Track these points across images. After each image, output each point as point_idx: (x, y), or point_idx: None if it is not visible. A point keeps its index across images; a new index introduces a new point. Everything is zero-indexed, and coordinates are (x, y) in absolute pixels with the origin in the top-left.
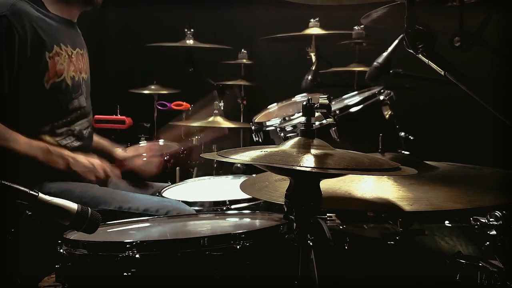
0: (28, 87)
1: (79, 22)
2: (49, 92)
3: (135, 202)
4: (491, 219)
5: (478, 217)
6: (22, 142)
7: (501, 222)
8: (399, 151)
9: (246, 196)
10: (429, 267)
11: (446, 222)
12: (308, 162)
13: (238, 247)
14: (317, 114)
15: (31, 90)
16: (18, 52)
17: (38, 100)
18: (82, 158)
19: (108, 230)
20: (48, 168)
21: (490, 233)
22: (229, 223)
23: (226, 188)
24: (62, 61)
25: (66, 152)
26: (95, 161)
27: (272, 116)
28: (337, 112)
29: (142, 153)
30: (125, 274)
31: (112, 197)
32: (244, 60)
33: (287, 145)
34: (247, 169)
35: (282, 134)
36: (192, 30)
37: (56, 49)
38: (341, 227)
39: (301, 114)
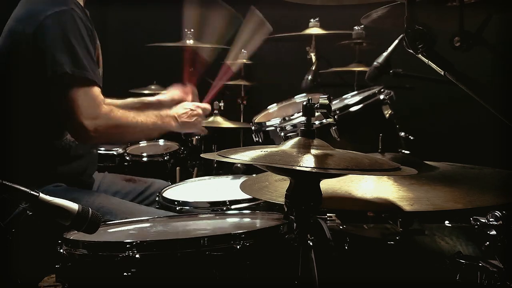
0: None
1: None
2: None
3: (141, 214)
4: (491, 219)
5: (478, 217)
6: (139, 118)
7: (501, 222)
8: (399, 151)
9: (246, 196)
10: (429, 267)
11: (446, 222)
12: (308, 162)
13: (238, 247)
14: (317, 114)
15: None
16: (92, 44)
17: None
18: (181, 109)
19: (108, 230)
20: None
21: (490, 233)
22: (229, 223)
23: (226, 188)
24: (99, 54)
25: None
26: (190, 105)
27: (272, 116)
28: (337, 112)
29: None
30: (125, 274)
31: (118, 209)
32: (244, 60)
33: (287, 145)
34: (247, 169)
35: (282, 134)
36: (192, 30)
37: (98, 42)
38: (341, 227)
39: (301, 114)
